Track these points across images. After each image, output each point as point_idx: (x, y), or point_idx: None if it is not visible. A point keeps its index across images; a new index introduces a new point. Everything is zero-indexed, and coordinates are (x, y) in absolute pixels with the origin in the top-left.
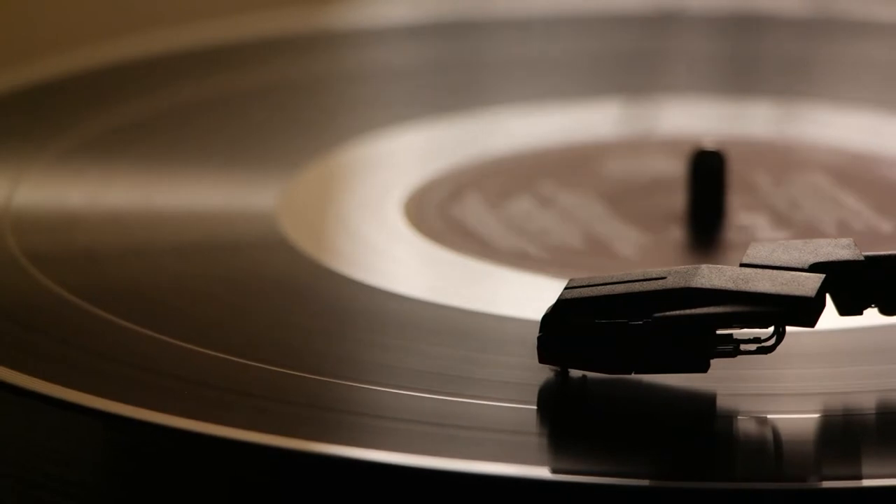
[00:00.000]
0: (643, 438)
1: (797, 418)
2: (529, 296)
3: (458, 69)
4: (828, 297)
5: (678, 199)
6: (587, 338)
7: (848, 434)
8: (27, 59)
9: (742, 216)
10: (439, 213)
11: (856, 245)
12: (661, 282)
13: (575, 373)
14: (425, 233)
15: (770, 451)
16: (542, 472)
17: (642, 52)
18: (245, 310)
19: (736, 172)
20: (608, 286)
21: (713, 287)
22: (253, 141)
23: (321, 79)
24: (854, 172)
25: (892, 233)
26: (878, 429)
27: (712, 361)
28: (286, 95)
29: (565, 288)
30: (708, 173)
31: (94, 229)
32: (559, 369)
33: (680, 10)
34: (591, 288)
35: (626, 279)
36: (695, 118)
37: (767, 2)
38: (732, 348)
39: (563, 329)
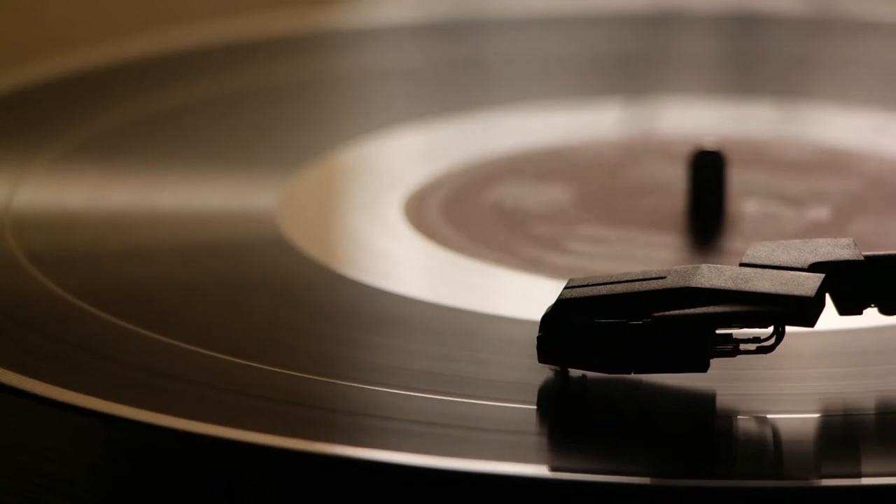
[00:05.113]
0: (643, 437)
1: (797, 418)
2: (529, 296)
3: (458, 69)
4: (827, 296)
5: (678, 200)
6: (587, 337)
7: (847, 434)
8: (27, 59)
9: (742, 215)
10: (439, 213)
11: (855, 245)
12: (660, 281)
13: (575, 372)
14: (425, 233)
15: (769, 450)
16: (542, 471)
17: (642, 52)
18: (245, 310)
19: (736, 172)
20: (607, 286)
21: (713, 287)
22: (253, 141)
23: (321, 79)
24: (853, 172)
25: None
26: (877, 428)
27: (712, 361)
28: (286, 95)
29: (565, 287)
30: (708, 173)
31: (94, 229)
32: (559, 369)
33: (680, 9)
34: (590, 287)
35: (625, 279)
36: (695, 118)
37: (767, 2)
38: (732, 348)
39: (562, 329)
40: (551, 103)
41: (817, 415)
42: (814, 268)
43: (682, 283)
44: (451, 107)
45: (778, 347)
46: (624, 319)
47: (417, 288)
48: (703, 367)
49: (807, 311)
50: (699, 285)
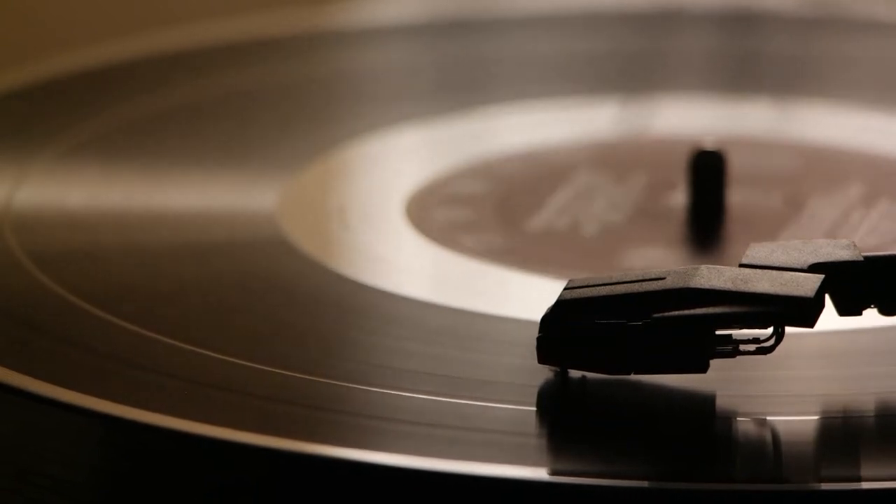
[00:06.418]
0: (642, 439)
1: (796, 419)
2: (529, 296)
3: (458, 69)
4: (827, 297)
5: (678, 199)
6: (586, 338)
7: (847, 435)
8: (27, 59)
9: (742, 216)
10: (440, 212)
11: (855, 245)
12: (660, 282)
13: (575, 373)
14: (426, 233)
15: (769, 452)
16: (542, 474)
17: (642, 52)
18: (245, 310)
19: (736, 172)
20: (607, 286)
21: (712, 287)
22: (253, 141)
23: (321, 79)
24: (853, 172)
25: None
26: (877, 430)
27: (711, 362)
28: (286, 95)
29: (565, 288)
30: (708, 173)
31: (94, 229)
32: (559, 370)
33: (679, 9)
34: (590, 288)
35: (625, 279)
36: (695, 118)
37: (767, 1)
38: (732, 349)
39: (562, 329)
40: (551, 103)
41: (817, 416)
42: (813, 268)
43: (681, 284)
44: (451, 107)
45: (778, 348)
46: (624, 320)
47: (418, 288)
48: (703, 368)
49: (806, 311)
50: (699, 286)
